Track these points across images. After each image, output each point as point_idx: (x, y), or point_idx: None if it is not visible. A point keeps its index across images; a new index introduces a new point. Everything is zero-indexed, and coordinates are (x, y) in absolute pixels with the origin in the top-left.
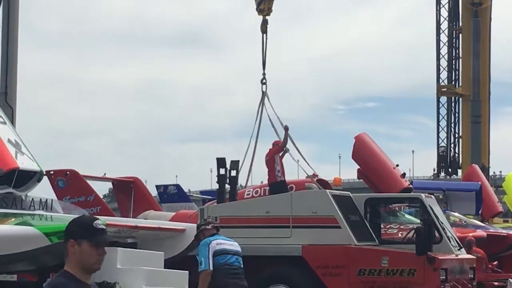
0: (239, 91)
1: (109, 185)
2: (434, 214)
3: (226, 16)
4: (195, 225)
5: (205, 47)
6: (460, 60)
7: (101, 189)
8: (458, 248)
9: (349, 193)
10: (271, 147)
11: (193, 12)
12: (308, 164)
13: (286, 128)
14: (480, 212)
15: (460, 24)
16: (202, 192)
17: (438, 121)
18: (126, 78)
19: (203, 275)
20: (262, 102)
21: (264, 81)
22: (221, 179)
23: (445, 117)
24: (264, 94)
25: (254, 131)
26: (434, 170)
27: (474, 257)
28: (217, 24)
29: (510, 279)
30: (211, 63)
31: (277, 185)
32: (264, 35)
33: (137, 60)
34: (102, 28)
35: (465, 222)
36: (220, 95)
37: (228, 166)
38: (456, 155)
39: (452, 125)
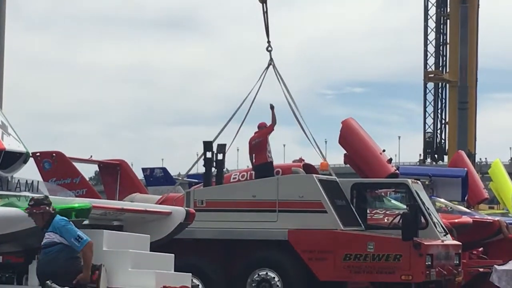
0: (227, 75)
1: (95, 167)
2: (420, 199)
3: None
4: (182, 208)
5: (192, 30)
6: (448, 46)
7: (87, 171)
8: (444, 234)
9: (336, 178)
10: (256, 130)
11: None
12: (321, 151)
13: (271, 107)
14: (466, 198)
15: (448, 10)
16: (188, 176)
17: (425, 107)
18: (113, 60)
19: (91, 246)
20: (266, 69)
21: (269, 48)
22: (207, 162)
23: (432, 103)
24: (270, 60)
25: (250, 95)
26: (420, 156)
27: (460, 243)
28: (205, 8)
29: (495, 266)
30: (199, 47)
31: (266, 165)
32: (264, 4)
33: (124, 43)
34: (89, 11)
35: (451, 208)
36: (207, 79)
37: (214, 149)
38: (443, 141)
39: (439, 111)
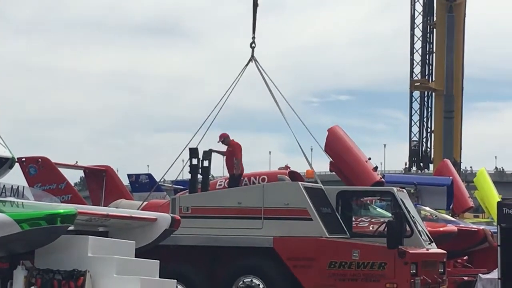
0: (213, 82)
1: (81, 173)
2: (406, 208)
3: (200, 7)
4: (167, 214)
5: (179, 37)
6: (434, 55)
7: (73, 177)
8: (429, 242)
9: (321, 185)
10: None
11: (167, 2)
12: (308, 161)
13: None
14: (451, 207)
15: (435, 19)
16: (174, 182)
17: (411, 115)
18: (99, 66)
19: None
20: (246, 65)
21: (253, 45)
22: (193, 169)
23: (418, 112)
24: (252, 57)
25: (229, 90)
26: (405, 164)
27: (445, 251)
28: (191, 15)
29: (480, 274)
30: (185, 54)
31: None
32: None
33: (111, 49)
34: (75, 16)
35: (436, 216)
36: (193, 86)
37: (200, 156)
38: (428, 149)
39: (425, 119)
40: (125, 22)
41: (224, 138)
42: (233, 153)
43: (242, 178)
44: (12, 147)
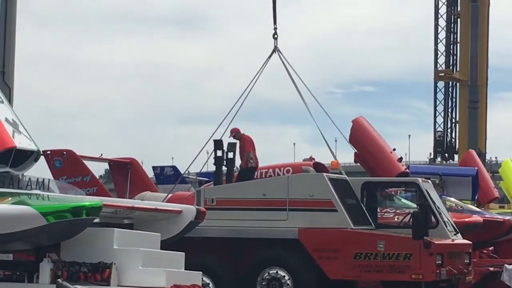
0: (237, 72)
1: (106, 165)
2: (431, 198)
3: None
4: (193, 206)
5: (201, 27)
6: (458, 45)
7: (98, 169)
8: (454, 233)
9: (346, 176)
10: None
11: None
12: (332, 152)
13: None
14: (476, 197)
15: (459, 9)
16: (198, 174)
17: (435, 106)
18: (123, 58)
19: None
20: (269, 57)
21: (275, 36)
22: (218, 161)
23: (442, 102)
24: (275, 48)
25: (252, 82)
26: (430, 155)
27: (471, 242)
28: (213, 5)
29: (506, 265)
30: (208, 44)
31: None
32: None
33: (134, 40)
34: (99, 7)
35: (461, 207)
36: (217, 76)
37: (225, 148)
38: (453, 140)
39: (449, 110)
40: (148, 13)
41: (235, 133)
42: (243, 147)
43: (266, 170)
44: (36, 139)
